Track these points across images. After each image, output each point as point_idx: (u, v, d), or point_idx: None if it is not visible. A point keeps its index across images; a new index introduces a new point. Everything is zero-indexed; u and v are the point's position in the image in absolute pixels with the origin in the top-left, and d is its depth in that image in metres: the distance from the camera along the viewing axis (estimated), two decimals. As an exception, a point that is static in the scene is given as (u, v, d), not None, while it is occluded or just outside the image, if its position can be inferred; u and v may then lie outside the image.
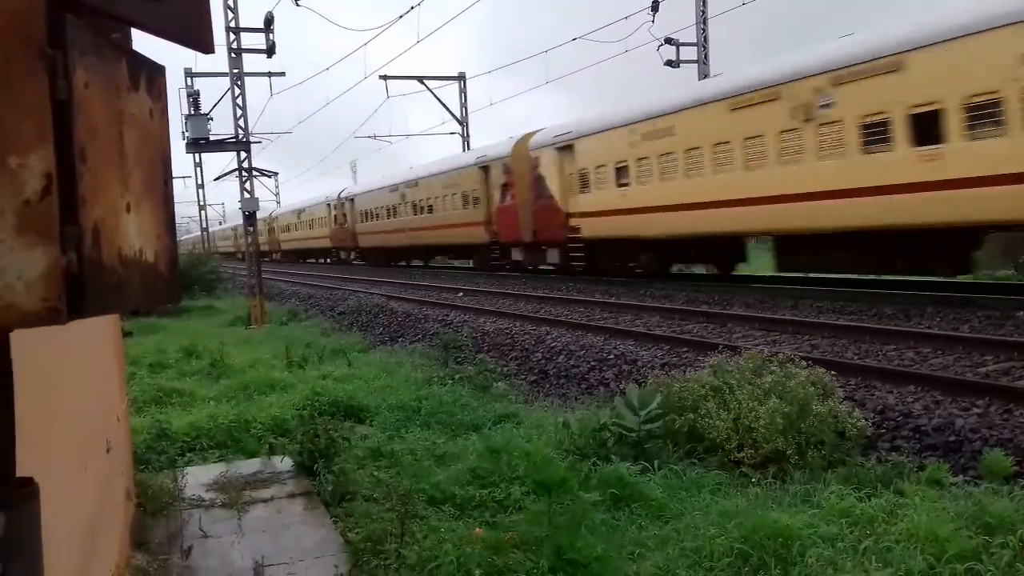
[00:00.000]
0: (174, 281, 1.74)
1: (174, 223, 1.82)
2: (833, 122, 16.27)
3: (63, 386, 3.60)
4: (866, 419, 7.52)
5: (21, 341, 1.70)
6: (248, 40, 24.46)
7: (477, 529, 5.63)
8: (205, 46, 1.88)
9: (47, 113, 1.30)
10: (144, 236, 1.59)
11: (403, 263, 45.77)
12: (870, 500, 5.67)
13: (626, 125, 23.07)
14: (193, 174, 50.78)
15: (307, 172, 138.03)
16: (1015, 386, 8.49)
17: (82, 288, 1.34)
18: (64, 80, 1.32)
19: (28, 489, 1.48)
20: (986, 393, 8.27)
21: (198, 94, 32.07)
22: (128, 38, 2.63)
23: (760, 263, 25.81)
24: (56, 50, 1.31)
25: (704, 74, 28.65)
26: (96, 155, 1.41)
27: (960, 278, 17.43)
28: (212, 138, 26.96)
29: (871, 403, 8.34)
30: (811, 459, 6.78)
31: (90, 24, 1.43)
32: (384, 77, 40.27)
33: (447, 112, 43.67)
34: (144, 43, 2.40)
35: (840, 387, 8.23)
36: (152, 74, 1.68)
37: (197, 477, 7.54)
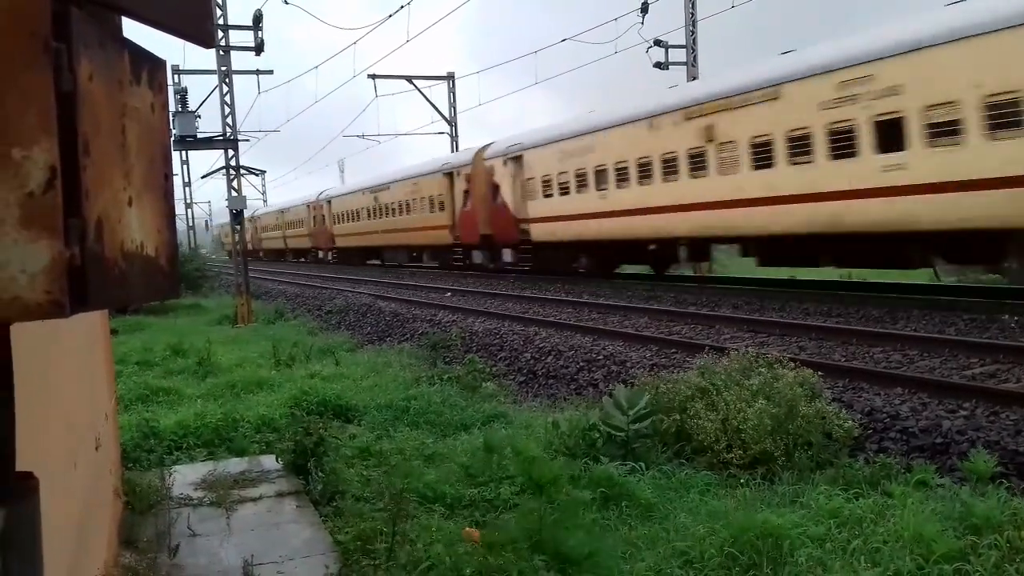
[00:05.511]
0: (174, 275, 1.73)
1: (174, 217, 1.82)
2: (730, 141, 18.35)
3: (56, 381, 3.57)
4: (853, 420, 7.56)
5: (18, 334, 1.69)
6: (236, 37, 24.47)
7: (469, 528, 5.62)
8: (205, 39, 1.87)
9: (51, 106, 1.29)
10: (145, 230, 1.59)
11: (378, 262, 47.25)
12: (858, 501, 5.70)
13: (565, 140, 25.30)
14: (180, 172, 50.30)
15: (295, 171, 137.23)
16: (1001, 388, 8.55)
17: (85, 282, 1.33)
18: (68, 73, 1.32)
19: (29, 483, 1.47)
20: (973, 395, 8.32)
21: (185, 91, 31.95)
22: (119, 30, 2.61)
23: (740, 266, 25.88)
24: (61, 43, 1.31)
25: (693, 76, 28.74)
26: (99, 148, 1.40)
27: (944, 281, 17.71)
28: (199, 136, 26.87)
29: (858, 404, 8.38)
30: (799, 460, 6.81)
31: (94, 17, 1.42)
32: (373, 76, 40.23)
33: (436, 112, 43.67)
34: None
35: (827, 388, 8.28)
36: (153, 68, 1.67)
37: (185, 476, 7.50)
